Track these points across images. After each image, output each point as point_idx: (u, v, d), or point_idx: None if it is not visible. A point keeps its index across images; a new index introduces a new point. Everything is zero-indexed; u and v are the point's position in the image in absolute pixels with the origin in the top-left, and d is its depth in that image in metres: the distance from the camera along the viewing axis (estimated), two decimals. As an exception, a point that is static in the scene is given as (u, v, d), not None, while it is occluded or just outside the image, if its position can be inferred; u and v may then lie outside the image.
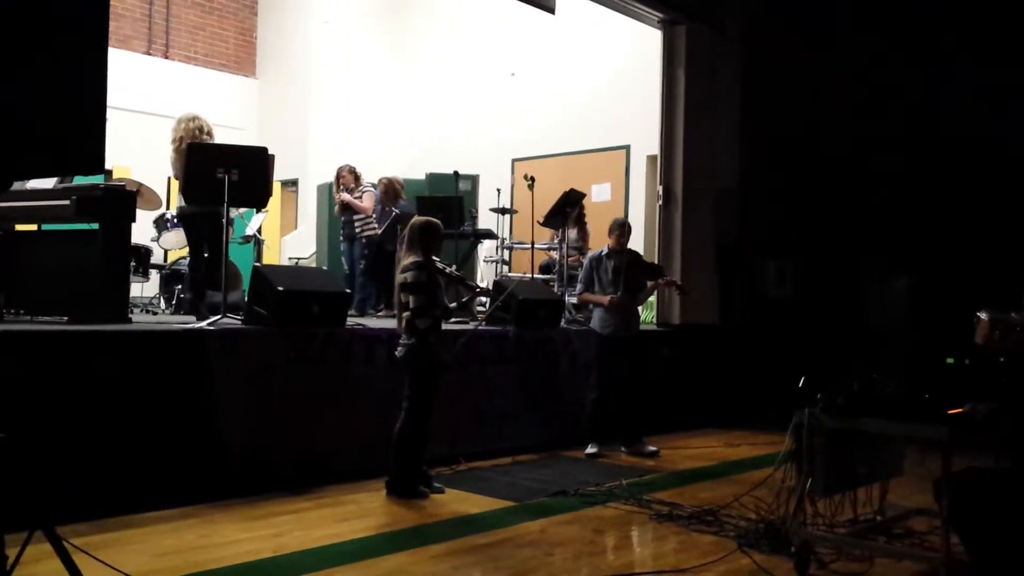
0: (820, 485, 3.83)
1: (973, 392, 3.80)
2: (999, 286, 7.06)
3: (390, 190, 8.79)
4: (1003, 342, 4.49)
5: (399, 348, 5.01)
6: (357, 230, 8.83)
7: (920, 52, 8.29)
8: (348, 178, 9.03)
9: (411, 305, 4.90)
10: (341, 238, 9.18)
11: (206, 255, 6.83)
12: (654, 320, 8.55)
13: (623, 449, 6.61)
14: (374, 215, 8.82)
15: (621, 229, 6.66)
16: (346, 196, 8.80)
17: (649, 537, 4.48)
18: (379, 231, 8.71)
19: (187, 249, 7.37)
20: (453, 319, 7.19)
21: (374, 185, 9.15)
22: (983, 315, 4.54)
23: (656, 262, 8.17)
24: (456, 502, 4.96)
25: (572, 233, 8.38)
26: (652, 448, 6.56)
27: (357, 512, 4.68)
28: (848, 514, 4.16)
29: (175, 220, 8.20)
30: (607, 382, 6.61)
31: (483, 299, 8.46)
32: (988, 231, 7.92)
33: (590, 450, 6.51)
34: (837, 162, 8.91)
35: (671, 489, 5.42)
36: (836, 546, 3.94)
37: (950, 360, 4.25)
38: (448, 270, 5.47)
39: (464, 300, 5.80)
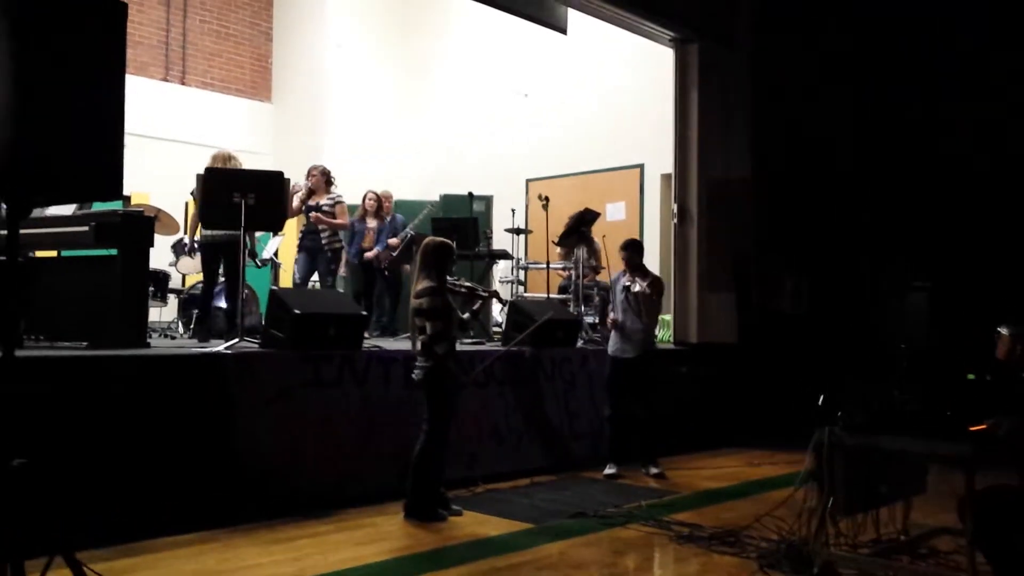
0: (842, 504, 3.79)
1: (995, 408, 3.76)
2: (1020, 300, 7.00)
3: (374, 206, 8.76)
4: (1025, 357, 4.45)
5: (416, 370, 5.01)
6: (324, 243, 8.06)
7: (930, 63, 8.27)
8: (318, 179, 8.10)
9: (428, 331, 4.89)
10: (298, 247, 8.36)
11: (222, 280, 6.90)
12: (671, 339, 8.51)
13: (642, 470, 6.56)
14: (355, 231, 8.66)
15: (625, 251, 6.65)
16: (319, 215, 7.98)
17: (670, 559, 4.45)
18: (343, 244, 8.37)
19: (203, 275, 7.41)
20: (469, 340, 7.21)
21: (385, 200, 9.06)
22: (1004, 330, 4.50)
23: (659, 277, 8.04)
24: (474, 524, 4.93)
25: (585, 253, 8.37)
26: (656, 470, 6.50)
27: (376, 535, 4.67)
28: (871, 534, 4.11)
29: (194, 245, 8.27)
30: (616, 402, 6.59)
31: (497, 317, 8.46)
32: (1007, 245, 7.86)
33: (609, 470, 6.47)
34: (852, 176, 8.89)
35: (691, 510, 5.37)
36: (859, 567, 3.89)
37: (971, 376, 4.21)
38: (458, 286, 5.46)
39: (476, 308, 5.80)
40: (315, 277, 8.32)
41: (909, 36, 8.40)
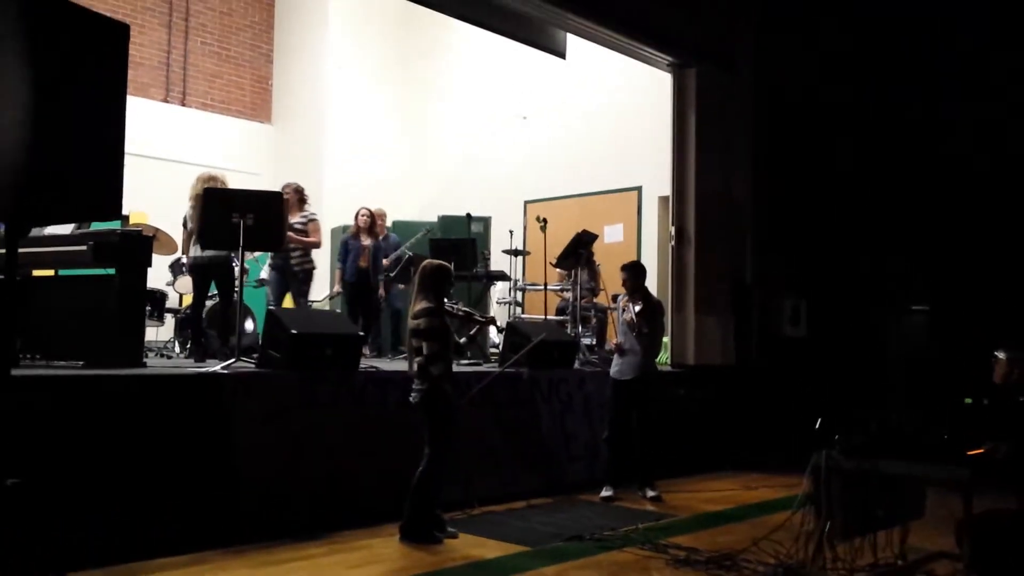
0: (839, 528, 3.78)
1: (993, 432, 3.76)
2: (1016, 324, 7.01)
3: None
4: (1022, 381, 4.45)
5: (413, 393, 5.00)
6: (294, 264, 7.72)
7: (935, 84, 8.31)
8: (291, 197, 7.60)
9: (425, 351, 4.89)
10: (269, 266, 8.16)
11: (209, 302, 6.89)
12: (668, 361, 8.50)
13: (639, 492, 6.53)
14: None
15: (624, 273, 6.67)
16: (290, 234, 7.37)
17: (666, 582, 4.42)
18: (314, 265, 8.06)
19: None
20: (467, 360, 7.21)
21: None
22: (1001, 354, 4.51)
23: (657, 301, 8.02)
24: (470, 547, 4.91)
25: (583, 274, 8.38)
26: (652, 492, 6.49)
27: (370, 557, 4.64)
28: (868, 558, 4.09)
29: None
30: (615, 424, 6.57)
31: (495, 339, 8.45)
32: (1006, 267, 7.88)
33: (605, 493, 6.44)
34: (851, 200, 8.91)
35: (688, 533, 5.34)
36: (857, 591, 3.87)
37: (968, 400, 4.22)
38: (455, 308, 5.46)
39: (472, 333, 5.80)
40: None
41: (910, 36, 8.42)
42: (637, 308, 6.49)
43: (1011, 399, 4.35)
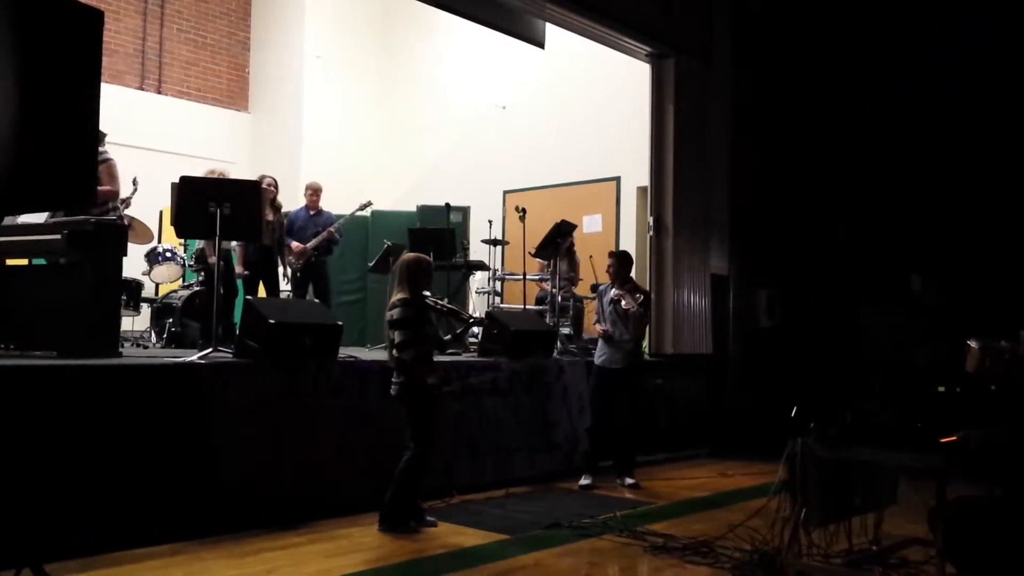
0: (815, 515, 3.82)
1: (965, 420, 3.81)
2: (990, 313, 7.10)
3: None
4: (994, 369, 4.50)
5: (393, 386, 5.00)
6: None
7: (913, 78, 8.36)
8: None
9: (396, 340, 4.90)
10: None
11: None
12: (647, 350, 8.54)
13: (617, 480, 6.58)
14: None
15: (611, 259, 6.70)
16: None
17: (644, 569, 4.45)
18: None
19: (178, 282, 7.35)
20: (447, 351, 7.20)
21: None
22: (973, 343, 4.56)
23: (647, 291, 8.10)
24: (449, 535, 4.92)
25: (563, 265, 8.40)
26: (631, 480, 6.53)
27: (349, 547, 4.64)
28: (843, 544, 4.14)
29: (166, 254, 8.22)
30: (599, 413, 6.60)
31: (476, 331, 8.45)
32: (981, 259, 7.97)
33: (583, 482, 6.47)
34: (828, 191, 8.98)
35: (665, 520, 5.39)
36: (832, 577, 3.92)
37: (941, 388, 4.27)
38: (439, 304, 5.47)
39: (457, 332, 5.86)
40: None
41: (888, 28, 8.46)
42: (639, 301, 6.47)
43: (983, 388, 4.41)
